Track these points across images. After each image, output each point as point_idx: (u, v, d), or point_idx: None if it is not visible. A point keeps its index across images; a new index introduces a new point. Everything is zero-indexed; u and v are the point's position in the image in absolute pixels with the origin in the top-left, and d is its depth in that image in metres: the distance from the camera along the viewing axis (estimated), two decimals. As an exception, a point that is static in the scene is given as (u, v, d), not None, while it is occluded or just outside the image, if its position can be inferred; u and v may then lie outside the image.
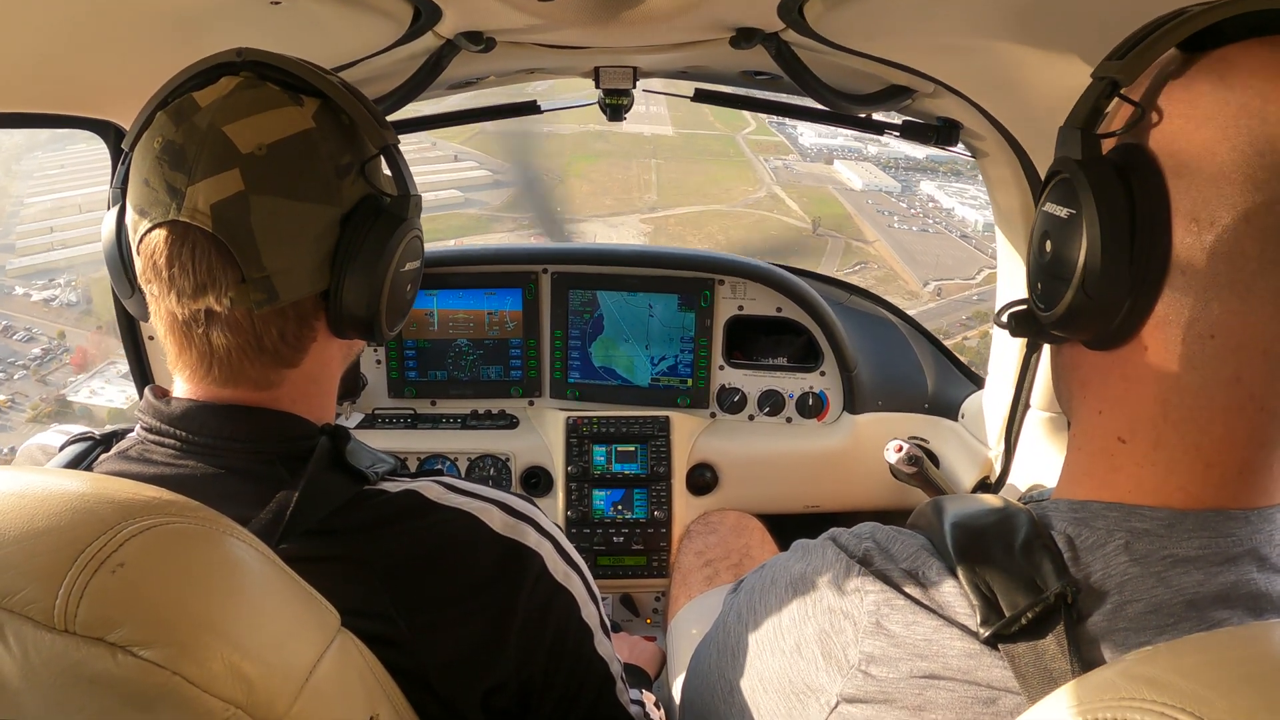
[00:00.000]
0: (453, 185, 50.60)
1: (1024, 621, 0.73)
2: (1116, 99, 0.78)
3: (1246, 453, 0.74)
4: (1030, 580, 0.75)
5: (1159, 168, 0.73)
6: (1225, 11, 0.72)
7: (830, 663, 0.82)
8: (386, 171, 1.10)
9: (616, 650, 1.21)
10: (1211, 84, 0.72)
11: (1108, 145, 0.78)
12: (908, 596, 0.79)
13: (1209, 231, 0.70)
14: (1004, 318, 0.90)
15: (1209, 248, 0.70)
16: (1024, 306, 0.88)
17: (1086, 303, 0.76)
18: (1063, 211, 0.78)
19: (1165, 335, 0.74)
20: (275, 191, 0.96)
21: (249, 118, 0.97)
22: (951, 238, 44.11)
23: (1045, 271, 0.81)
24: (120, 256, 1.07)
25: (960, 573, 0.78)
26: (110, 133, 1.69)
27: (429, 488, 1.06)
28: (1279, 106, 0.69)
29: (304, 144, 0.99)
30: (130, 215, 1.00)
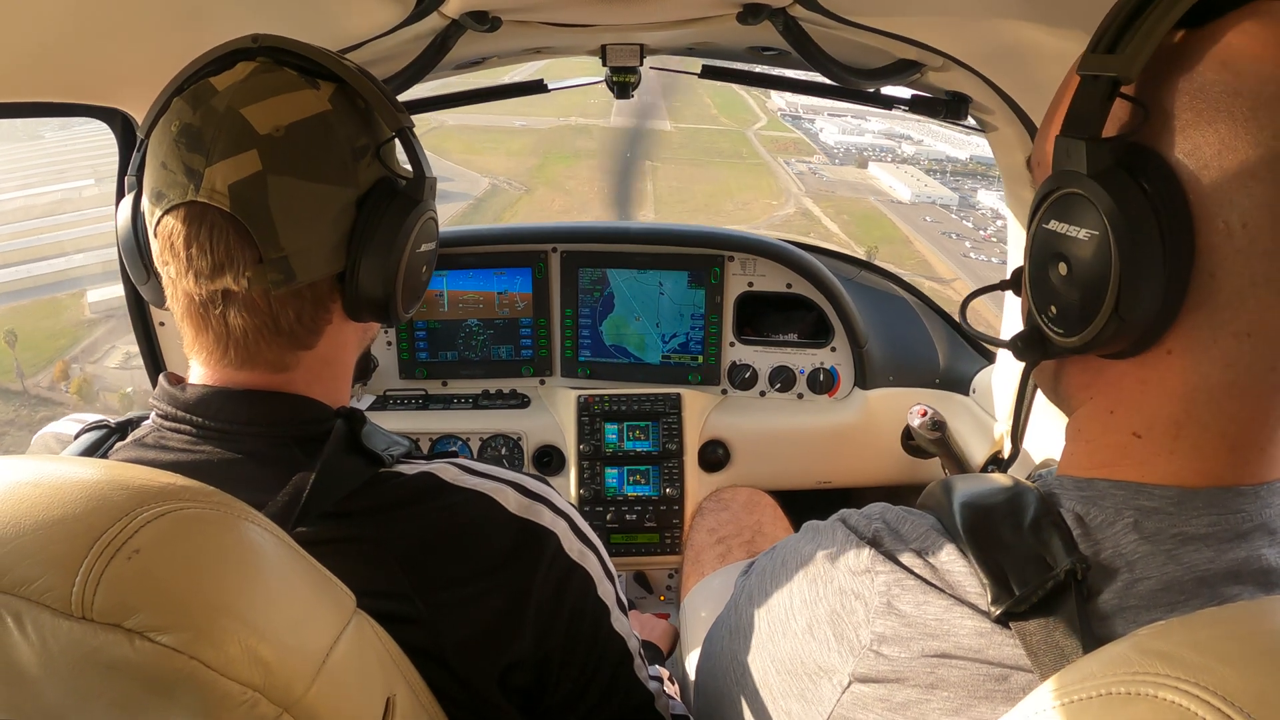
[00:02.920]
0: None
1: (1034, 599, 0.72)
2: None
3: (1269, 431, 0.74)
4: (1040, 558, 0.75)
5: (1175, 172, 0.70)
6: None
7: (842, 643, 0.82)
8: (401, 155, 1.10)
9: (633, 630, 1.22)
10: (1217, 72, 0.69)
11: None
12: (918, 577, 0.79)
13: (1241, 233, 0.68)
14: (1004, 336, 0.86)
15: (1243, 249, 0.68)
16: (1031, 329, 0.84)
17: (1121, 326, 0.73)
18: (1079, 233, 0.74)
19: (1192, 339, 0.72)
20: (293, 172, 0.97)
21: (266, 100, 0.97)
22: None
23: (1061, 297, 0.78)
24: (136, 242, 1.08)
25: (970, 552, 0.78)
26: (118, 121, 1.69)
27: (444, 469, 1.07)
28: None
29: (321, 126, 1.00)
30: (147, 199, 1.01)
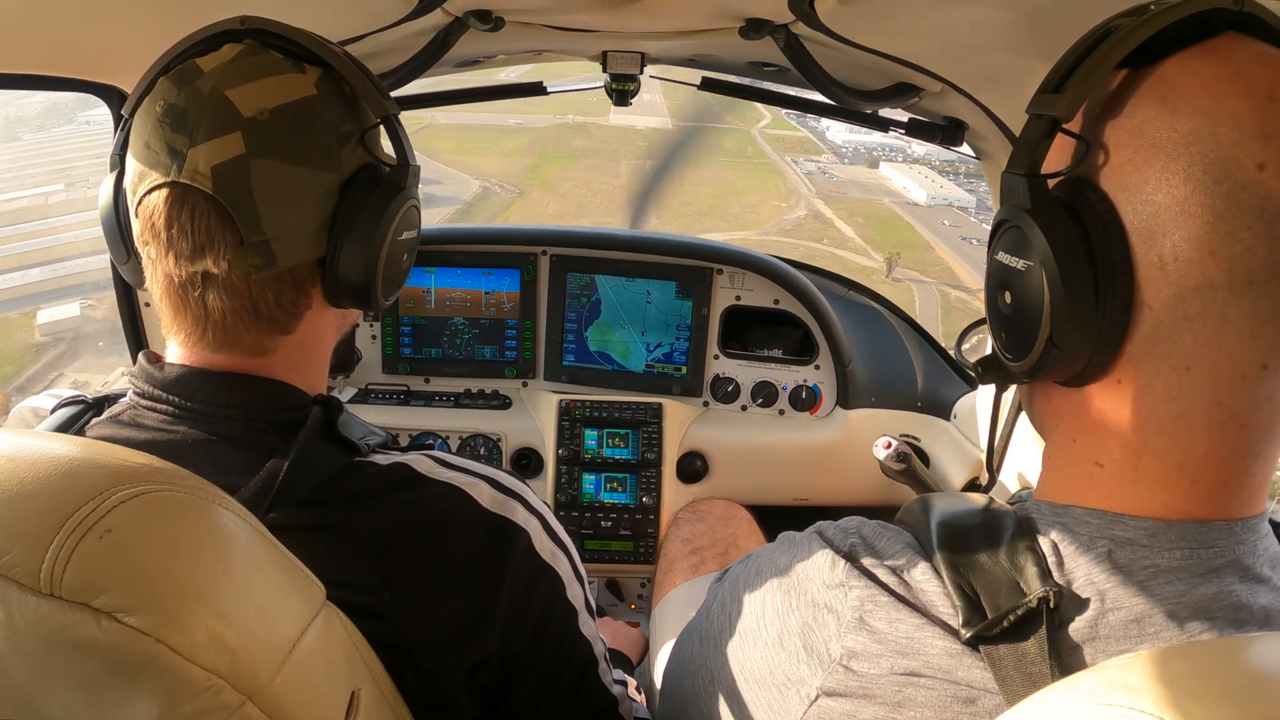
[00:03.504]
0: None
1: (1006, 624, 0.73)
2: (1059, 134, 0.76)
3: (1229, 467, 0.74)
4: (1014, 583, 0.75)
5: (1113, 206, 0.72)
6: (1154, 25, 0.71)
7: (812, 656, 0.82)
8: (386, 143, 1.10)
9: (600, 634, 1.22)
10: (1154, 109, 0.71)
11: (1055, 181, 0.77)
12: (891, 593, 0.80)
13: (1173, 267, 0.70)
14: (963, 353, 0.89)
15: (1175, 283, 0.70)
16: (992, 354, 0.87)
17: (1056, 355, 0.76)
18: (1019, 264, 0.77)
19: (1138, 370, 0.74)
20: (276, 156, 0.96)
21: (252, 83, 0.97)
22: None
23: (1008, 324, 0.81)
24: (117, 221, 1.07)
25: (944, 572, 0.78)
26: (115, 98, 1.68)
27: (419, 461, 1.07)
28: (1229, 128, 0.67)
29: (306, 110, 0.99)
30: (130, 178, 1.00)
